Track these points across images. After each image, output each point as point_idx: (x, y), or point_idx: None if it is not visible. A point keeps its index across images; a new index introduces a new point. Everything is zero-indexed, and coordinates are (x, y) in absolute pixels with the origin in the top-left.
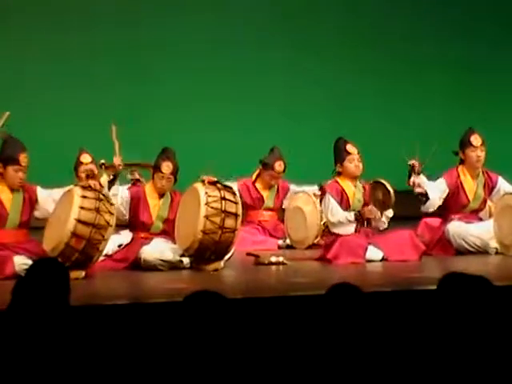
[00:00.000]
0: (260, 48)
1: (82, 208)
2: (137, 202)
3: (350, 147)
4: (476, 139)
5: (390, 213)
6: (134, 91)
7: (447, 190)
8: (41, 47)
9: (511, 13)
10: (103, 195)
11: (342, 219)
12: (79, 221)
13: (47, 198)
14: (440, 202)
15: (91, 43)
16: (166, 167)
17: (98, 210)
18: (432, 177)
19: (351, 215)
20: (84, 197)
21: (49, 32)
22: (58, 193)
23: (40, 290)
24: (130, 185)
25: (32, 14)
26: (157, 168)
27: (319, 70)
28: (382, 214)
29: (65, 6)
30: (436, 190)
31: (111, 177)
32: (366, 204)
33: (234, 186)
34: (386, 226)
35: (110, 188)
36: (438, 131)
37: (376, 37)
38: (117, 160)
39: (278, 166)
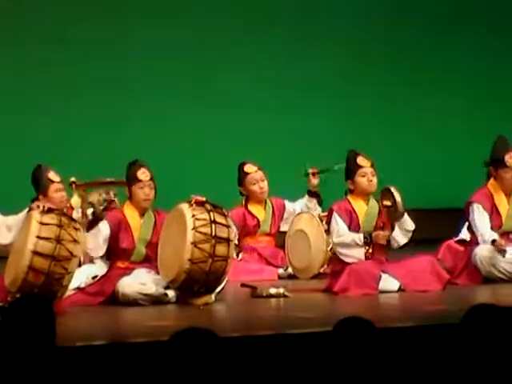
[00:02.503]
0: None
1: (39, 238)
2: (117, 229)
3: (361, 160)
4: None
5: (409, 225)
6: (106, 102)
7: (487, 215)
8: None
9: None
10: (67, 218)
11: (348, 240)
12: (36, 253)
13: (0, 226)
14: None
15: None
16: (143, 174)
17: (58, 240)
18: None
19: (360, 238)
20: (43, 223)
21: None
22: (12, 220)
23: (23, 329)
24: (103, 208)
25: None
26: (133, 179)
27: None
28: (392, 227)
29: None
30: (486, 223)
31: (89, 215)
32: (378, 226)
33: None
34: (406, 241)
35: (90, 228)
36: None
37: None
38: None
39: (250, 169)
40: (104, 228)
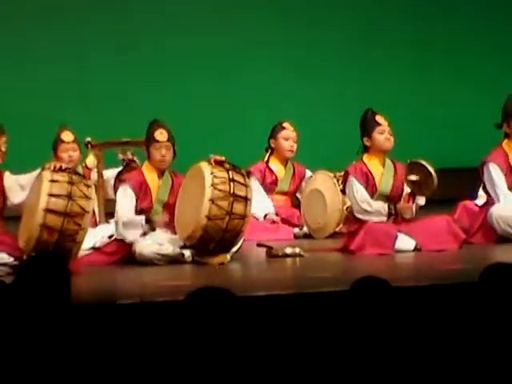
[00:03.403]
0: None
1: (50, 195)
2: (139, 191)
3: (379, 118)
4: None
5: (421, 200)
6: (120, 64)
7: (503, 175)
8: None
9: None
10: (78, 176)
11: (371, 209)
12: (48, 210)
13: (13, 185)
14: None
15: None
16: (160, 134)
17: (70, 196)
18: None
19: (385, 208)
20: (53, 181)
21: None
22: (25, 178)
23: (38, 287)
24: (121, 168)
25: None
26: (150, 139)
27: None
28: (413, 200)
29: None
30: (503, 182)
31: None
32: (395, 186)
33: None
34: (413, 215)
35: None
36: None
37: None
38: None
39: (289, 127)
40: (130, 194)
